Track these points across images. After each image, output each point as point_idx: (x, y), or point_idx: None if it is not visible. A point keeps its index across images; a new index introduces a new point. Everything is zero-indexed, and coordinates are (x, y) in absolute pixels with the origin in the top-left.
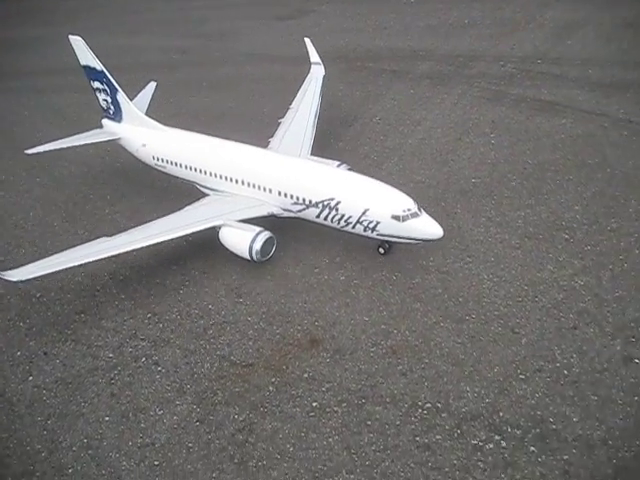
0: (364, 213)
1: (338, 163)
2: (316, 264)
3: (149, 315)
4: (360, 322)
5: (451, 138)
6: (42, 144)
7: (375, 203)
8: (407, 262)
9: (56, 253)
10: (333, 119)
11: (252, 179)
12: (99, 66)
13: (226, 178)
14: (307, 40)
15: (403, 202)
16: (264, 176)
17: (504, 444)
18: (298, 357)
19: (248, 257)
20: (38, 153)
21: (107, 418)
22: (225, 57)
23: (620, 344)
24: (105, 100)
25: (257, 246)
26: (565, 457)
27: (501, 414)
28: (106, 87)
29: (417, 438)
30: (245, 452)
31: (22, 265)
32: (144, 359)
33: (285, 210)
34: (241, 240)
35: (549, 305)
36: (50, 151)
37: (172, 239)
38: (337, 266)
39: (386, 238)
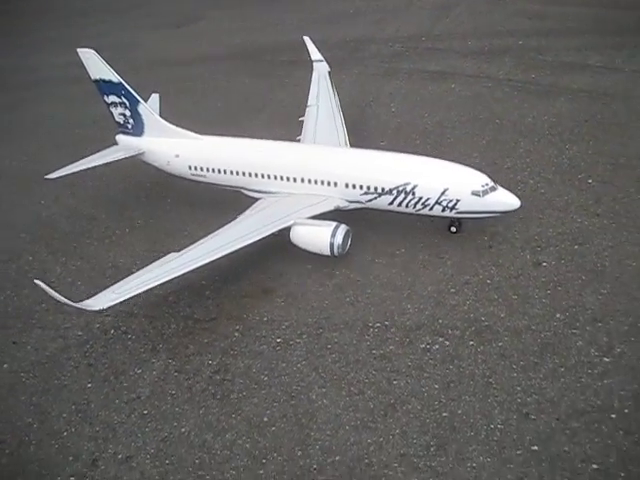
0: (443, 193)
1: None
2: None
3: None
4: (305, 270)
5: (356, 111)
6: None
7: (454, 182)
8: None
9: (128, 275)
10: (243, 108)
11: (312, 175)
12: (116, 78)
13: (282, 178)
14: (306, 39)
15: (480, 178)
16: (326, 170)
17: (447, 343)
18: (255, 305)
19: (328, 253)
20: (59, 177)
21: (89, 385)
22: (129, 67)
23: (529, 253)
24: (122, 114)
25: (338, 240)
26: (499, 344)
27: (440, 321)
28: (125, 100)
29: (374, 351)
30: (225, 388)
31: (96, 292)
32: (113, 331)
33: (352, 202)
34: (319, 236)
35: (465, 233)
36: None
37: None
38: None
39: (464, 215)
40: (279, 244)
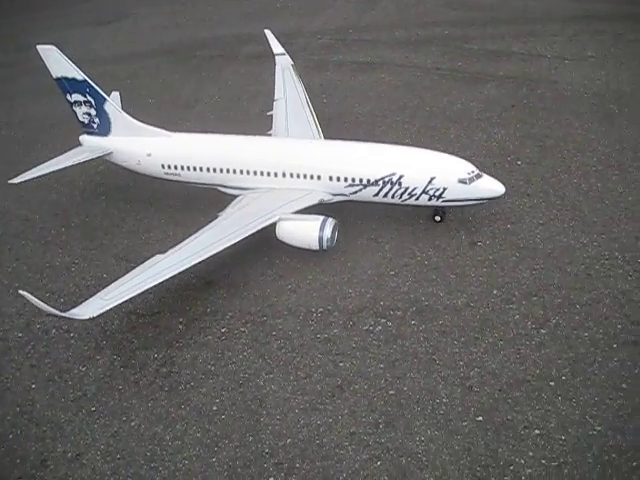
0: (430, 182)
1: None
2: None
3: (47, 294)
4: (245, 260)
5: None
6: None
7: (440, 171)
8: None
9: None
10: (175, 104)
11: (294, 169)
12: (80, 75)
13: (262, 173)
14: (267, 32)
15: (465, 166)
16: (309, 164)
17: (390, 324)
18: (198, 298)
19: (317, 247)
20: (23, 182)
21: (33, 386)
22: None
23: (464, 234)
24: (87, 114)
25: (327, 234)
26: (440, 322)
27: (382, 303)
28: (90, 98)
29: (318, 335)
30: (172, 380)
31: (81, 301)
32: (54, 330)
33: (336, 195)
34: (307, 231)
35: (402, 217)
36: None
37: (232, 244)
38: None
39: (450, 204)
40: None
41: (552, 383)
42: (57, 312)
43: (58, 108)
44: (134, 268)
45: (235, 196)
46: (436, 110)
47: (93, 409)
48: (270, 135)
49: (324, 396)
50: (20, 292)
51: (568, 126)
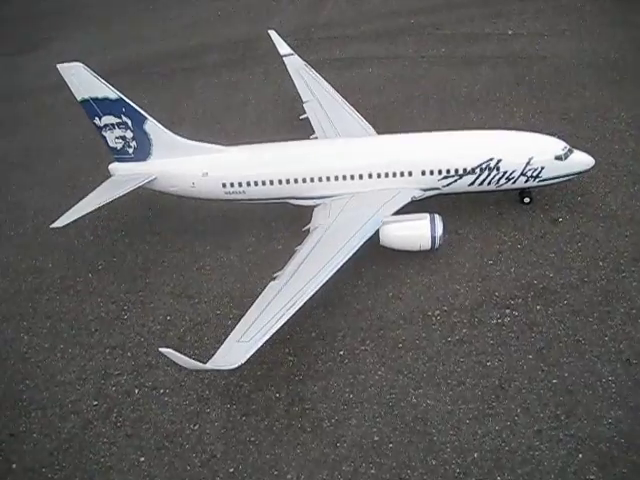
0: (528, 163)
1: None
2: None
3: (107, 350)
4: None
5: (281, 110)
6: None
7: (536, 150)
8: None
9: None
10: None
11: (383, 168)
12: (114, 94)
13: (344, 177)
14: (272, 32)
15: (557, 142)
16: (398, 160)
17: (516, 313)
18: (295, 322)
19: (429, 247)
20: (66, 225)
21: (142, 459)
22: None
23: (541, 213)
24: (121, 137)
25: (439, 231)
26: (564, 302)
27: (497, 294)
28: (126, 119)
29: (449, 339)
30: (311, 418)
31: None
32: (137, 390)
33: (428, 190)
34: (418, 232)
35: (469, 204)
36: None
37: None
38: None
39: (545, 182)
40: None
41: None
42: (203, 366)
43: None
44: (200, 303)
45: (308, 207)
46: (445, 97)
47: (231, 470)
48: (316, 138)
49: (488, 400)
50: (160, 350)
51: (580, 97)
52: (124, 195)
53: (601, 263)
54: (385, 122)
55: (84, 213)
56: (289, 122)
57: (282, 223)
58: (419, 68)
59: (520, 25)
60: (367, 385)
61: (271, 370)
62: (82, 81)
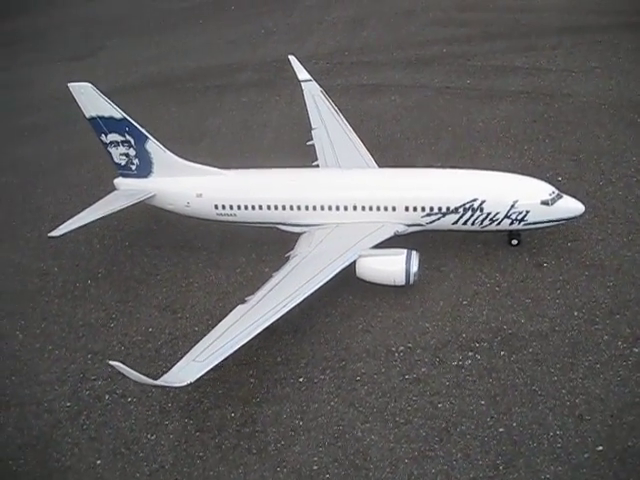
0: (513, 206)
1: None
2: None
3: (89, 355)
4: (305, 301)
5: (301, 132)
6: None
7: (522, 193)
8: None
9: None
10: (178, 139)
11: (367, 201)
12: (118, 113)
13: (330, 208)
14: (292, 58)
15: (544, 187)
16: (382, 195)
17: (479, 357)
18: (263, 346)
19: (403, 283)
20: (64, 234)
21: (99, 462)
22: (26, 105)
23: (527, 256)
24: (125, 154)
25: (414, 267)
26: (530, 350)
27: (464, 335)
28: (129, 138)
29: (406, 376)
30: (259, 441)
31: (170, 366)
32: (107, 396)
33: (411, 225)
34: (392, 266)
35: (459, 243)
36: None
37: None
38: None
39: (531, 227)
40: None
41: None
42: (151, 381)
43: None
44: (182, 319)
45: (296, 233)
46: (459, 130)
47: None
48: (317, 166)
49: (431, 442)
50: (110, 362)
51: (596, 138)
52: (126, 208)
53: (576, 313)
54: (394, 152)
55: (84, 223)
56: (302, 147)
57: (274, 246)
58: (441, 99)
59: (550, 60)
60: (318, 414)
61: (232, 390)
62: (90, 100)
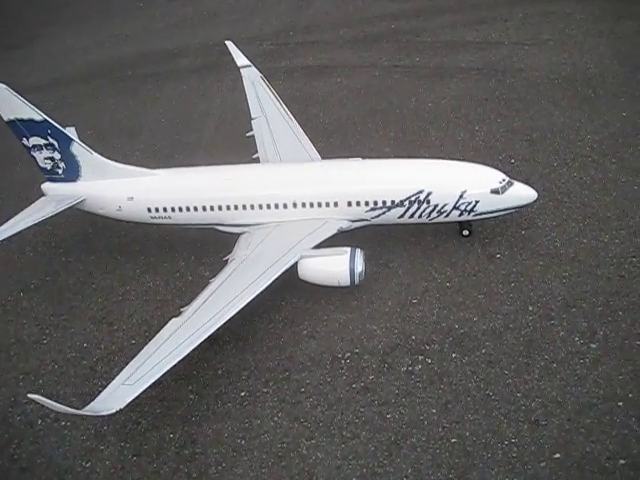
0: (461, 196)
1: (361, 159)
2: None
3: (22, 376)
4: (247, 306)
5: (243, 119)
6: None
7: (470, 183)
8: None
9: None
10: (117, 132)
11: (307, 198)
12: (38, 116)
13: (268, 206)
14: (229, 43)
15: (495, 174)
16: (323, 190)
17: (429, 360)
18: (203, 358)
19: (348, 283)
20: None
21: None
22: None
23: (479, 247)
24: (49, 158)
25: (359, 266)
26: (483, 351)
27: (414, 337)
28: (52, 141)
29: (353, 385)
30: (199, 464)
31: (105, 385)
32: (40, 421)
33: (356, 221)
34: (336, 267)
35: (407, 235)
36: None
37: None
38: None
39: (481, 217)
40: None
41: (620, 403)
42: (76, 411)
43: None
44: (118, 331)
45: (236, 234)
46: (407, 112)
47: None
48: (257, 159)
49: (380, 457)
50: (29, 396)
51: (549, 115)
52: (55, 215)
53: (531, 308)
54: (340, 138)
55: (12, 233)
56: (244, 138)
57: (215, 246)
58: (389, 79)
59: (502, 33)
60: (261, 432)
61: (170, 408)
62: (6, 102)
